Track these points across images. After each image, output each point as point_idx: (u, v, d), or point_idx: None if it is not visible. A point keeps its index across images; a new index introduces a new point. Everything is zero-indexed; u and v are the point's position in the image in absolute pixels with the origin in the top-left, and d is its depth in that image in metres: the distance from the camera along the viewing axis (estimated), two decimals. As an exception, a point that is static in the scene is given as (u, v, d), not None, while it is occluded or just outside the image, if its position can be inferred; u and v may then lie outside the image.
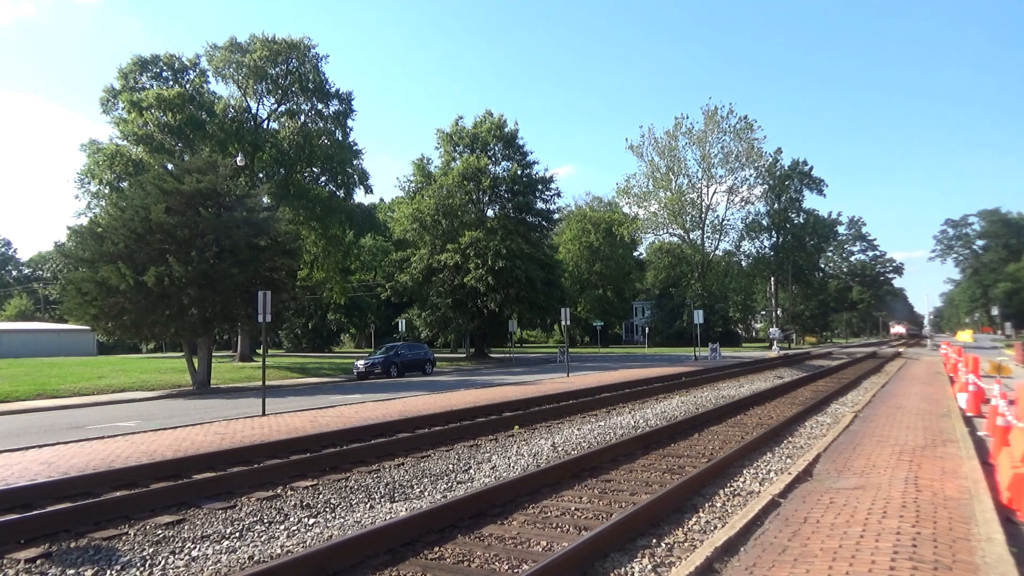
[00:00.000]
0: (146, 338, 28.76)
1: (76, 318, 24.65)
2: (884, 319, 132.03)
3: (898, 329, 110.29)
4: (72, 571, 5.53)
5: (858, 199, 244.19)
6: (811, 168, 75.63)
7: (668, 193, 56.17)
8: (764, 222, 73.12)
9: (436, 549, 5.70)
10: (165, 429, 13.33)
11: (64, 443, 11.70)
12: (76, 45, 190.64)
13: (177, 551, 5.95)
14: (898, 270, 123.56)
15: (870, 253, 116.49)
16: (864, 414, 13.19)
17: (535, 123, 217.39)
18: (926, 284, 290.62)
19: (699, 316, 39.52)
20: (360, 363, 31.49)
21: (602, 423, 13.48)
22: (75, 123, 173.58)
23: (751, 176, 59.53)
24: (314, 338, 73.38)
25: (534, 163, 50.26)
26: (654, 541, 5.84)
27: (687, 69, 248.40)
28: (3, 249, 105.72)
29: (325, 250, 43.13)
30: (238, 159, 32.83)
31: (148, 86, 39.56)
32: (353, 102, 43.92)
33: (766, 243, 75.52)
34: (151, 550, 5.98)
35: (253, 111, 42.49)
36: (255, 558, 5.69)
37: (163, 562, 5.66)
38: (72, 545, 6.19)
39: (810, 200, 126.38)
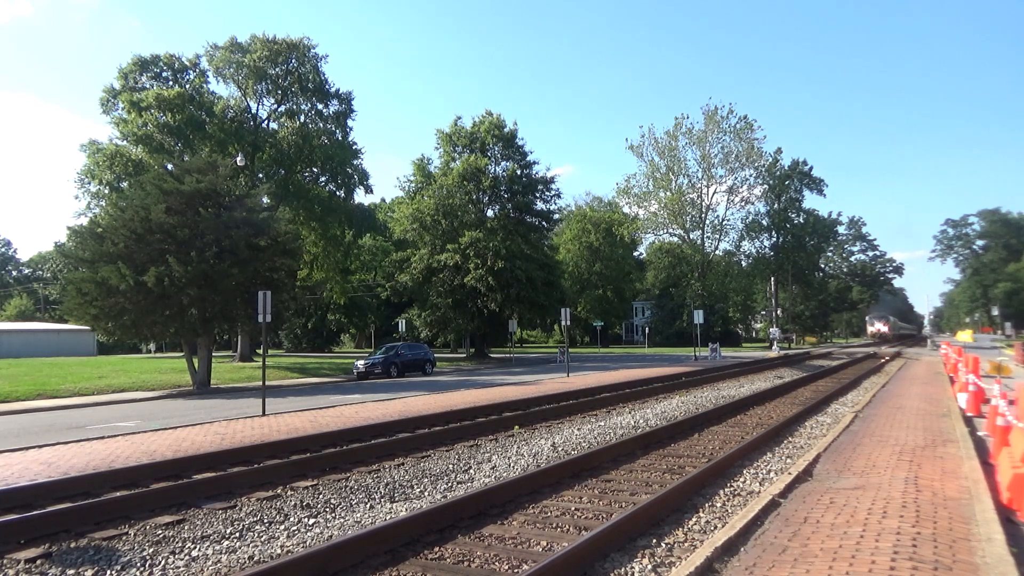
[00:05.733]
0: (146, 338, 28.76)
1: (76, 318, 24.66)
2: (865, 314, 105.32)
3: (878, 327, 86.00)
4: (72, 571, 5.53)
5: (858, 199, 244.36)
6: (811, 168, 75.75)
7: (668, 193, 56.11)
8: (764, 222, 73.10)
9: (436, 549, 5.71)
10: (165, 429, 13.34)
11: (64, 443, 11.71)
12: (73, 45, 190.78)
13: (177, 551, 5.95)
14: (898, 270, 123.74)
15: (870, 253, 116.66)
16: (864, 414, 13.19)
17: (535, 123, 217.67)
18: (926, 284, 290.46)
19: (699, 316, 39.52)
20: (360, 363, 31.49)
21: (602, 423, 13.47)
22: (72, 123, 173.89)
23: (751, 176, 59.45)
24: (314, 338, 73.38)
25: (534, 163, 50.37)
26: (654, 541, 5.85)
27: (687, 69, 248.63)
28: (3, 249, 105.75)
29: (325, 250, 43.15)
30: (238, 159, 32.80)
31: (148, 86, 39.57)
32: (353, 102, 44.05)
33: (766, 243, 75.58)
34: (151, 550, 5.98)
35: (253, 111, 42.52)
36: (255, 558, 5.69)
37: (163, 562, 5.66)
38: (72, 545, 6.19)
39: (810, 200, 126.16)
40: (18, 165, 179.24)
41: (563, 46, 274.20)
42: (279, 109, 42.97)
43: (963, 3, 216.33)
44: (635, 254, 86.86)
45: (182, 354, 32.32)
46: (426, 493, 7.92)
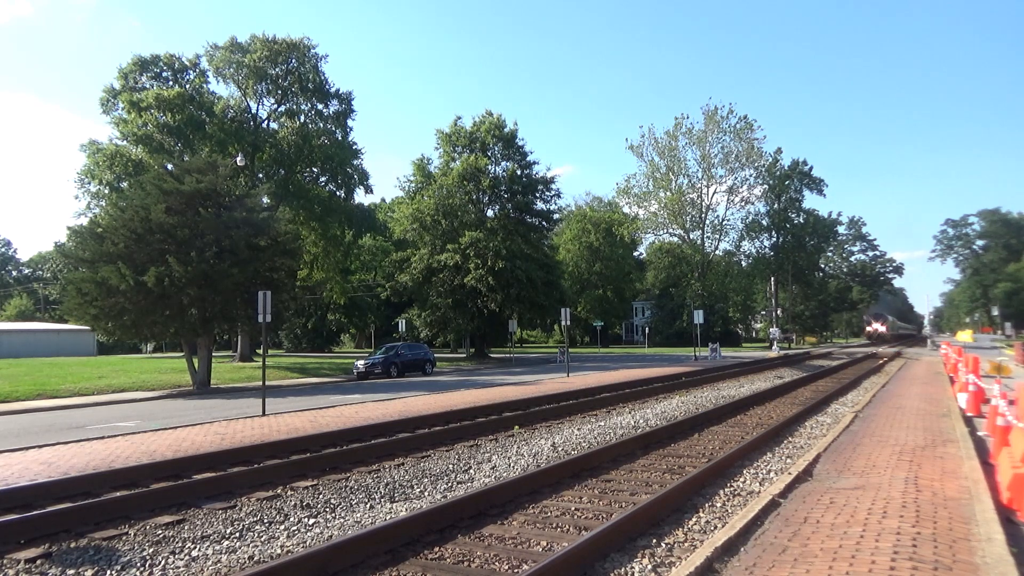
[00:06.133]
0: (146, 338, 28.78)
1: (76, 318, 24.66)
2: (862, 315, 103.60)
3: (875, 327, 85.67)
4: (72, 571, 5.53)
5: (858, 199, 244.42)
6: (811, 168, 75.67)
7: (668, 193, 56.17)
8: (764, 222, 73.06)
9: (436, 549, 5.71)
10: (165, 429, 13.34)
11: (64, 443, 11.70)
12: (73, 45, 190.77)
13: (177, 551, 5.95)
14: (898, 270, 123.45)
15: (870, 253, 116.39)
16: (864, 414, 13.19)
17: (535, 123, 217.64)
18: (926, 284, 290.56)
19: (699, 316, 39.52)
20: (360, 363, 31.49)
21: (602, 423, 13.47)
22: (72, 123, 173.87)
23: (751, 176, 59.56)
24: (314, 338, 73.37)
25: (534, 163, 50.33)
26: (654, 541, 5.85)
27: (687, 69, 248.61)
28: (3, 249, 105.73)
29: (325, 250, 43.16)
30: (238, 159, 32.83)
31: (148, 86, 39.58)
32: (353, 102, 44.05)
33: (766, 243, 75.53)
34: (151, 550, 5.98)
35: (253, 111, 42.52)
36: (255, 558, 5.69)
37: (163, 562, 5.66)
38: (72, 545, 6.19)
39: (810, 200, 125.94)
40: (18, 165, 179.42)
41: (563, 46, 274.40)
42: (279, 109, 42.98)
43: (963, 3, 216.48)
44: (635, 254, 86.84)
45: (182, 354, 32.32)
46: (426, 493, 7.92)
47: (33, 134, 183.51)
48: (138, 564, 5.63)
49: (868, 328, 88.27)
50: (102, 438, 12.21)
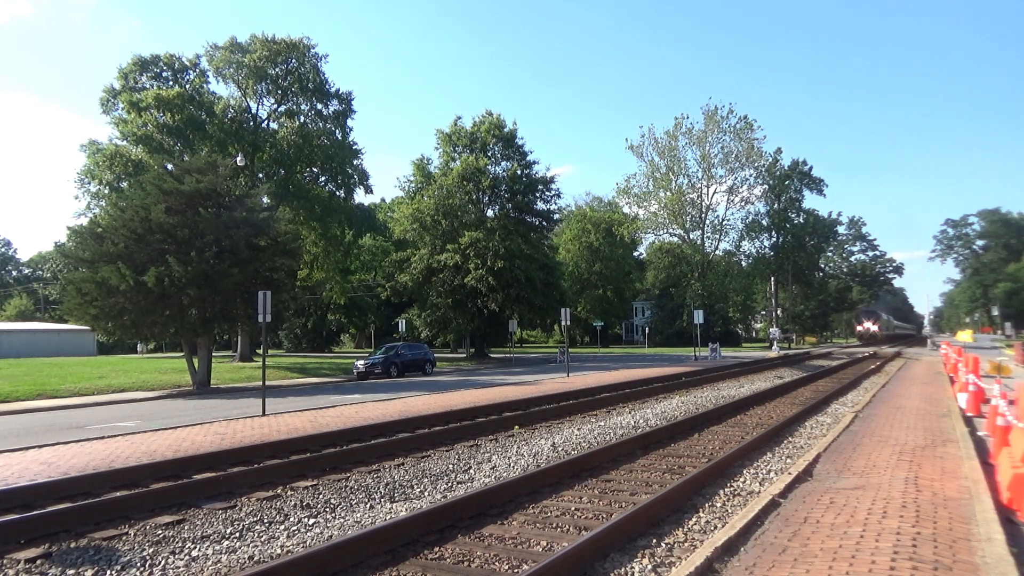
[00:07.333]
0: (146, 338, 28.74)
1: (76, 318, 24.66)
2: (856, 314, 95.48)
3: (867, 326, 79.41)
4: (72, 571, 5.53)
5: (858, 199, 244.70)
6: (811, 168, 75.64)
7: (668, 193, 56.28)
8: (764, 222, 73.10)
9: (436, 549, 5.71)
10: (165, 429, 13.33)
11: (64, 443, 11.70)
12: (73, 45, 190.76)
13: (177, 551, 5.95)
14: (898, 270, 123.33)
15: (870, 253, 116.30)
16: (864, 414, 13.19)
17: (535, 123, 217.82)
18: (926, 284, 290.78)
19: (699, 316, 39.53)
20: (360, 363, 31.49)
21: (602, 423, 13.47)
22: (72, 123, 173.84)
23: (751, 176, 59.73)
24: (314, 338, 73.37)
25: (534, 163, 50.29)
26: (654, 541, 5.84)
27: (687, 69, 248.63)
28: (3, 249, 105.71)
29: (325, 250, 43.15)
30: (238, 159, 32.80)
31: (148, 86, 39.56)
32: (353, 102, 44.02)
33: (766, 243, 75.56)
34: (151, 550, 5.98)
35: (253, 111, 42.51)
36: (255, 558, 5.69)
37: (163, 562, 5.66)
38: (72, 545, 6.19)
39: (810, 200, 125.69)
40: (18, 165, 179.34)
41: (563, 46, 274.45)
42: (279, 109, 42.97)
43: (963, 3, 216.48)
44: (635, 254, 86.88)
45: (181, 354, 32.32)
46: (426, 493, 7.92)
47: (33, 134, 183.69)
48: (138, 564, 5.63)
49: (859, 327, 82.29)
50: (102, 438, 12.21)
